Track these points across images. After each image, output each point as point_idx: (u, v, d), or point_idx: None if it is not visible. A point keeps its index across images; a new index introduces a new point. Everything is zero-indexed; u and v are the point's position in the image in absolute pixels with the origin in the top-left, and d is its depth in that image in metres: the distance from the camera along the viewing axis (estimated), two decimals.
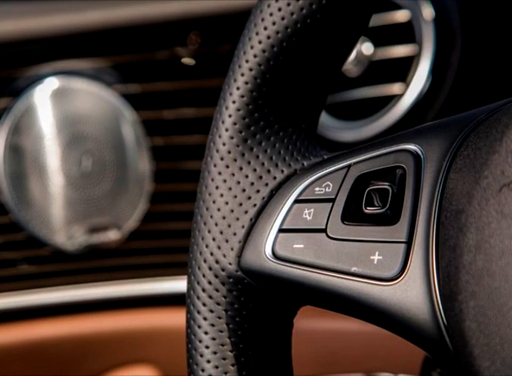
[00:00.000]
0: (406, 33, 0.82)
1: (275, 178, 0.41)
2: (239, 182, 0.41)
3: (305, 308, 0.42)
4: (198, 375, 0.41)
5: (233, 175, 0.41)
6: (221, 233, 0.41)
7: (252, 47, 0.39)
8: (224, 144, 0.41)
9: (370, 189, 0.37)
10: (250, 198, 0.41)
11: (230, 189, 0.41)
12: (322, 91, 0.42)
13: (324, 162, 0.41)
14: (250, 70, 0.40)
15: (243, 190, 0.41)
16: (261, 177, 0.41)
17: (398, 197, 0.36)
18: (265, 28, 0.39)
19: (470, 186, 0.33)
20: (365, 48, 0.84)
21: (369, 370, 0.78)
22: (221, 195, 0.41)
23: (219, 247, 0.41)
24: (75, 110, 0.92)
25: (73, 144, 0.92)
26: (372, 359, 0.91)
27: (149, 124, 0.93)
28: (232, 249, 0.40)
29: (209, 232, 0.41)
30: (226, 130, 0.40)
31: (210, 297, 0.41)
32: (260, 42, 0.39)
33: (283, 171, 0.41)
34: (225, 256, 0.40)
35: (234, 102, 0.40)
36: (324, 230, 0.38)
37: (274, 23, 0.39)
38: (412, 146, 0.37)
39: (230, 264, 0.40)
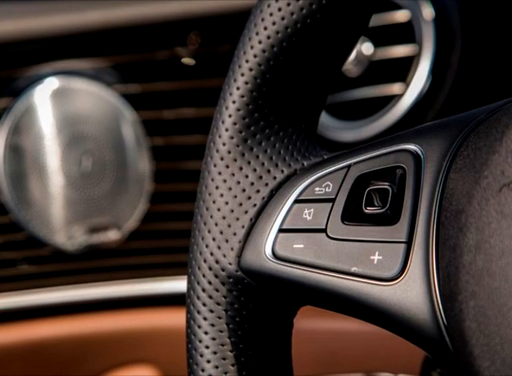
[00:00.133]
0: (406, 33, 0.82)
1: (275, 178, 0.41)
2: (239, 182, 0.41)
3: (305, 308, 0.42)
4: (198, 375, 0.41)
5: (233, 175, 0.41)
6: (221, 233, 0.41)
7: (252, 47, 0.39)
8: (224, 144, 0.41)
9: (370, 189, 0.37)
10: (250, 198, 0.41)
11: (230, 189, 0.41)
12: (322, 91, 0.42)
13: (324, 162, 0.41)
14: (250, 70, 0.40)
15: (243, 190, 0.41)
16: (261, 177, 0.41)
17: (398, 197, 0.36)
18: (265, 28, 0.39)
19: (470, 186, 0.33)
20: (365, 48, 0.84)
21: (369, 370, 0.78)
22: (221, 195, 0.41)
23: (219, 247, 0.41)
24: (75, 110, 0.92)
25: (73, 144, 0.92)
26: (372, 359, 0.91)
27: (149, 124, 0.93)
28: (232, 249, 0.40)
29: (209, 232, 0.41)
30: (226, 130, 0.40)
31: (210, 297, 0.41)
32: (260, 42, 0.39)
33: (283, 171, 0.41)
34: (225, 256, 0.40)
35: (234, 102, 0.40)
36: (324, 230, 0.38)
37: (274, 23, 0.39)
38: (412, 146, 0.37)
39: (230, 264, 0.40)
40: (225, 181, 0.41)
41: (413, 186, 0.36)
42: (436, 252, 0.34)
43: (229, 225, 0.41)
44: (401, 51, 0.82)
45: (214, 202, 0.41)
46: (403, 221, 0.36)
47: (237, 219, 0.41)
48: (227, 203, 0.41)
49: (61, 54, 0.92)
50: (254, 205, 0.41)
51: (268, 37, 0.39)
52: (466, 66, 0.80)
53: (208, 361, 0.41)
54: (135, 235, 0.95)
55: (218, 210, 0.41)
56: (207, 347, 0.41)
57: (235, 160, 0.41)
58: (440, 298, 0.33)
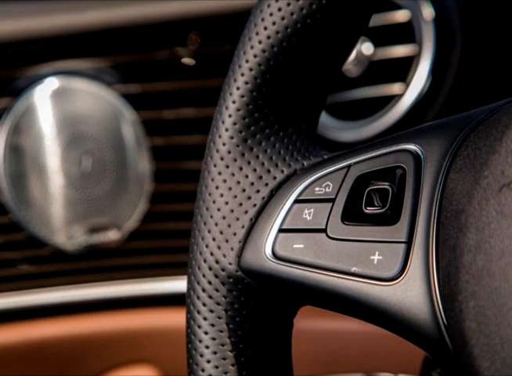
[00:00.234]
0: (406, 33, 0.82)
1: (275, 178, 0.41)
2: (239, 182, 0.41)
3: (305, 308, 0.42)
4: (198, 375, 0.41)
5: (233, 175, 0.41)
6: (221, 233, 0.41)
7: (252, 47, 0.39)
8: (224, 144, 0.41)
9: (370, 189, 0.37)
10: (250, 198, 0.41)
11: (230, 189, 0.41)
12: (322, 91, 0.42)
13: (324, 162, 0.41)
14: (250, 70, 0.40)
15: (243, 190, 0.41)
16: (261, 177, 0.41)
17: (398, 197, 0.36)
18: (265, 28, 0.39)
19: (470, 186, 0.33)
20: (365, 48, 0.84)
21: (369, 370, 0.78)
22: (221, 195, 0.41)
23: (219, 247, 0.41)
24: (75, 110, 0.92)
25: (73, 144, 0.92)
26: (372, 359, 0.91)
27: (149, 124, 0.93)
28: (232, 249, 0.40)
29: (209, 232, 0.41)
30: (226, 130, 0.40)
31: (210, 297, 0.41)
32: (260, 42, 0.39)
33: (283, 171, 0.41)
34: (225, 256, 0.40)
35: (234, 102, 0.40)
36: (324, 230, 0.38)
37: (274, 23, 0.39)
38: (412, 146, 0.37)
39: (230, 264, 0.40)
40: (225, 181, 0.41)
41: (413, 186, 0.36)
42: (436, 252, 0.34)
43: (229, 225, 0.41)
44: (401, 51, 0.82)
45: (214, 202, 0.41)
46: (403, 221, 0.36)
47: (237, 219, 0.41)
48: (227, 203, 0.41)
49: (61, 54, 0.92)
50: (254, 205, 0.41)
51: (268, 37, 0.39)
52: (466, 66, 0.80)
53: (208, 361, 0.41)
54: (135, 235, 0.95)
55: (218, 210, 0.41)
56: (207, 347, 0.41)
57: (235, 160, 0.41)
58: (440, 298, 0.33)
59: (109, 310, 0.98)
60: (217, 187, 0.41)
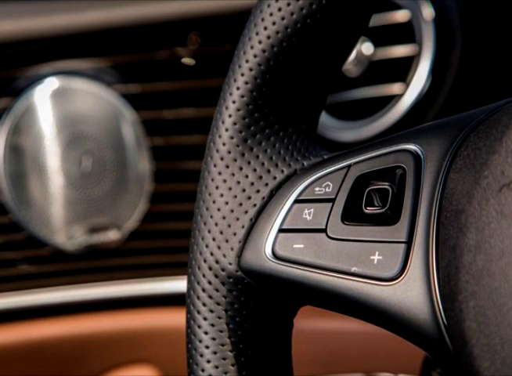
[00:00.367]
0: (406, 33, 0.82)
1: (275, 178, 0.41)
2: (239, 182, 0.41)
3: (305, 308, 0.42)
4: (198, 375, 0.41)
5: (233, 175, 0.41)
6: (221, 233, 0.41)
7: (252, 47, 0.39)
8: (224, 144, 0.41)
9: (370, 189, 0.37)
10: (250, 198, 0.41)
11: (230, 189, 0.41)
12: (322, 91, 0.42)
13: (324, 162, 0.41)
14: (250, 70, 0.40)
15: (243, 190, 0.41)
16: (261, 177, 0.41)
17: (398, 197, 0.36)
18: (265, 28, 0.39)
19: (470, 186, 0.33)
20: (365, 48, 0.84)
21: (369, 370, 0.78)
22: (221, 195, 0.41)
23: (219, 247, 0.41)
24: (75, 110, 0.92)
25: (73, 144, 0.92)
26: (372, 359, 0.91)
27: (149, 124, 0.93)
28: (232, 249, 0.40)
29: (209, 232, 0.41)
30: (226, 130, 0.40)
31: (210, 297, 0.41)
32: (260, 42, 0.39)
33: (283, 171, 0.41)
34: (225, 256, 0.40)
35: (234, 102, 0.40)
36: (324, 230, 0.38)
37: (274, 23, 0.39)
38: (412, 146, 0.37)
39: (230, 264, 0.40)
40: (225, 181, 0.41)
41: (413, 186, 0.36)
42: (436, 252, 0.34)
43: (229, 225, 0.41)
44: (401, 51, 0.82)
45: (214, 202, 0.41)
46: (403, 221, 0.36)
47: (237, 219, 0.41)
48: (227, 203, 0.41)
49: (61, 54, 0.92)
50: (254, 205, 0.41)
51: (268, 37, 0.39)
52: (466, 66, 0.80)
53: (208, 361, 0.41)
54: (135, 235, 0.95)
55: (218, 210, 0.41)
56: (207, 347, 0.41)
57: (235, 160, 0.41)
58: (440, 298, 0.33)
59: (109, 310, 0.98)
60: (217, 187, 0.41)
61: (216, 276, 0.41)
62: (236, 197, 0.41)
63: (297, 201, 0.40)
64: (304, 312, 0.44)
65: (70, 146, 0.92)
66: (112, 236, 0.94)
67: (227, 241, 0.40)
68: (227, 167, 0.41)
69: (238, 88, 0.40)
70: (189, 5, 0.89)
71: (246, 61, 0.40)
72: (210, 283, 0.41)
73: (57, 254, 0.95)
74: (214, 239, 0.41)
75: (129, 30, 0.91)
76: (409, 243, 0.35)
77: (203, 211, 0.41)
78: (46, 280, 0.96)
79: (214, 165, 0.41)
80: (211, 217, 0.41)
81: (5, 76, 0.92)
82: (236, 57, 0.40)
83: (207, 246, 0.41)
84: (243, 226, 0.40)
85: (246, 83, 0.40)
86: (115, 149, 0.93)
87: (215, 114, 0.41)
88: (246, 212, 0.41)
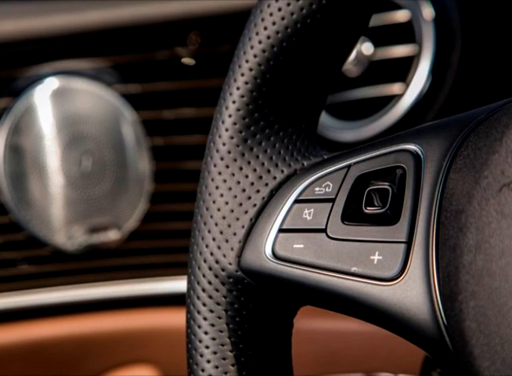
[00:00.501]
0: (406, 33, 0.82)
1: (275, 178, 0.41)
2: (239, 182, 0.41)
3: (305, 308, 0.42)
4: (198, 375, 0.41)
5: (233, 175, 0.41)
6: (221, 233, 0.41)
7: (252, 47, 0.39)
8: (224, 144, 0.41)
9: (370, 189, 0.37)
10: (250, 198, 0.41)
11: (230, 189, 0.41)
12: (322, 91, 0.42)
13: (324, 162, 0.41)
14: (250, 70, 0.40)
15: (243, 190, 0.41)
16: (261, 177, 0.41)
17: (398, 197, 0.36)
18: (265, 28, 0.39)
19: (470, 186, 0.33)
20: (365, 48, 0.84)
21: (369, 370, 0.78)
22: (221, 195, 0.41)
23: (219, 247, 0.41)
24: (75, 110, 0.92)
25: (73, 144, 0.92)
26: (372, 359, 0.91)
27: (149, 124, 0.93)
28: (232, 249, 0.40)
29: (209, 232, 0.41)
30: (226, 130, 0.40)
31: (210, 297, 0.41)
32: (260, 42, 0.39)
33: (283, 171, 0.41)
34: (225, 256, 0.40)
35: (234, 102, 0.40)
36: (324, 230, 0.38)
37: (274, 23, 0.39)
38: (412, 146, 0.37)
39: (230, 264, 0.40)
40: (225, 181, 0.41)
41: (413, 186, 0.36)
42: (436, 252, 0.34)
43: (229, 225, 0.41)
44: (401, 51, 0.82)
45: (214, 202, 0.41)
46: (403, 221, 0.36)
47: (237, 219, 0.41)
48: (227, 203, 0.41)
49: (61, 54, 0.92)
50: (254, 205, 0.41)
51: (268, 37, 0.39)
52: (466, 66, 0.80)
53: (208, 361, 0.41)
54: (135, 235, 0.95)
55: (218, 210, 0.41)
56: (207, 347, 0.41)
57: (235, 160, 0.41)
58: (440, 298, 0.33)
59: (109, 310, 0.98)
60: (217, 187, 0.41)
61: (216, 276, 0.41)
62: (236, 197, 0.41)
63: (297, 201, 0.40)
64: (304, 312, 0.44)
65: (70, 146, 0.92)
66: (112, 236, 0.94)
67: (227, 241, 0.40)
68: (227, 167, 0.41)
69: (238, 88, 0.40)
70: (189, 5, 0.89)
71: (246, 61, 0.40)
72: (210, 283, 0.41)
73: (57, 254, 0.95)
74: (214, 239, 0.41)
75: (129, 30, 0.91)
76: (409, 243, 0.35)
77: (203, 211, 0.41)
78: (46, 280, 0.96)
79: (214, 165, 0.41)
80: (211, 217, 0.41)
81: (5, 76, 0.92)
82: (236, 57, 0.40)
83: (207, 246, 0.41)
84: (243, 226, 0.40)
85: (247, 83, 0.40)
86: (115, 149, 0.93)
87: (215, 114, 0.41)
88: (246, 212, 0.41)
